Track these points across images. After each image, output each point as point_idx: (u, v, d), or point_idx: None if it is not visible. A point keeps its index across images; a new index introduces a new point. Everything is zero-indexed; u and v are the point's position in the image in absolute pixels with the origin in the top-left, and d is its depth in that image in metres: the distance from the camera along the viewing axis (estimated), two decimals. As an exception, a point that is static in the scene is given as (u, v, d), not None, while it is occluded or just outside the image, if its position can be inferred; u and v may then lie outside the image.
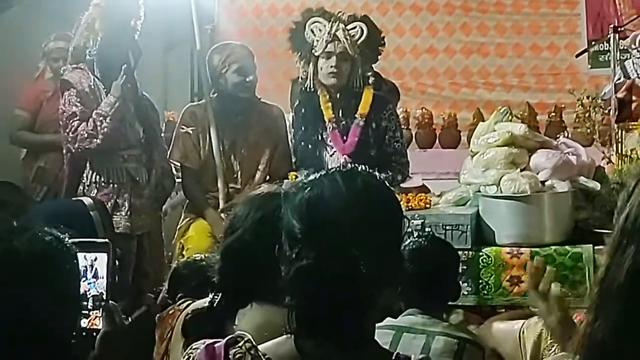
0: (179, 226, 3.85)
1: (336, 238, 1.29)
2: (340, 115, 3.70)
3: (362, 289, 1.29)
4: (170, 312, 2.06)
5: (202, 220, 3.71)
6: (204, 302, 1.82)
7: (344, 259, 1.28)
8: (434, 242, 2.67)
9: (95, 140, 3.65)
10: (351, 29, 3.62)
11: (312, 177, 1.38)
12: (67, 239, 1.52)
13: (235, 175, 3.78)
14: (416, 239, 2.62)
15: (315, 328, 1.30)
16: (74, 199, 3.08)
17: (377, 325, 1.41)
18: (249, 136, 3.82)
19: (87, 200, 2.47)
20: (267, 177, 3.82)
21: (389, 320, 2.34)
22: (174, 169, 4.09)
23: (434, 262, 2.47)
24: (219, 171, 3.72)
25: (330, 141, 3.71)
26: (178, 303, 2.05)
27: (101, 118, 3.65)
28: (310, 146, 3.72)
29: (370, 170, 1.40)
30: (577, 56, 4.65)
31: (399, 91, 4.68)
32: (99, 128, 3.65)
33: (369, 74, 3.76)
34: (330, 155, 3.70)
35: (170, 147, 3.85)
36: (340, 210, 1.31)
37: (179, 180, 4.16)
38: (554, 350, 2.00)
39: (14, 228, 1.50)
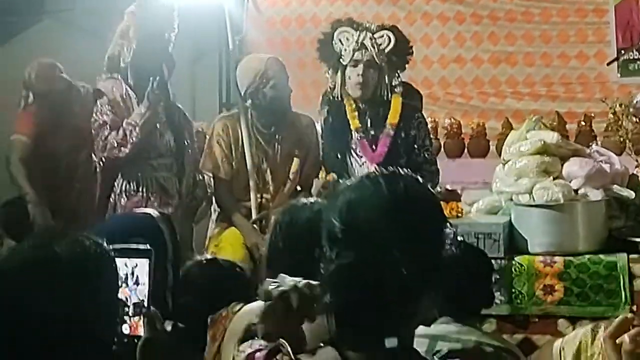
0: (209, 235, 3.87)
1: (377, 238, 1.28)
2: (369, 125, 3.71)
3: (403, 291, 1.28)
4: (224, 314, 2.09)
5: (233, 230, 3.72)
6: (257, 306, 1.83)
7: (384, 259, 1.27)
8: (467, 249, 2.66)
9: (124, 149, 3.70)
10: (379, 37, 3.63)
11: (354, 179, 1.38)
12: (106, 245, 1.53)
13: (267, 185, 3.79)
14: (448, 246, 2.61)
15: (354, 328, 1.29)
16: (141, 211, 3.12)
17: None
18: (281, 146, 3.82)
19: (154, 213, 2.47)
20: (298, 187, 3.83)
21: (422, 329, 2.32)
22: (206, 179, 4.12)
23: (467, 269, 2.45)
24: (252, 181, 3.73)
25: (359, 151, 3.71)
26: (231, 305, 2.08)
27: (131, 128, 3.70)
28: (338, 155, 3.72)
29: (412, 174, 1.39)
30: (608, 64, 4.62)
31: (420, 94, 4.67)
32: (128, 137, 3.69)
33: (397, 82, 3.75)
34: (360, 165, 3.70)
35: (202, 157, 3.87)
36: (381, 211, 1.30)
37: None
38: (596, 362, 1.98)
39: (55, 234, 1.51)
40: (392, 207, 1.31)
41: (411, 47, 3.78)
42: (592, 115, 5.11)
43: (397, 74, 3.72)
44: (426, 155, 3.72)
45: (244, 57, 4.04)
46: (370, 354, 1.29)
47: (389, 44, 3.64)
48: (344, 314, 1.30)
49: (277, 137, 3.82)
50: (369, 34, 3.63)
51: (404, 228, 1.30)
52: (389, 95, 3.68)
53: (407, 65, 3.79)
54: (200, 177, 4.03)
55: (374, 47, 3.61)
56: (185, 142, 3.92)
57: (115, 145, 3.70)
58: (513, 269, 3.18)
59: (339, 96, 3.71)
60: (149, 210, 3.20)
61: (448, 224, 1.38)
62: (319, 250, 1.35)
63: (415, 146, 3.70)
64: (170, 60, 3.87)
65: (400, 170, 1.38)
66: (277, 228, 1.88)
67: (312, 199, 1.91)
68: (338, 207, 1.33)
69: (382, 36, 3.64)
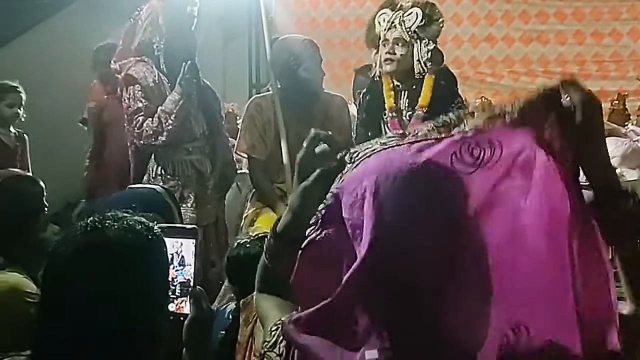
0: (245, 215, 3.89)
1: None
2: (406, 105, 3.67)
3: None
4: (256, 297, 2.11)
5: (268, 211, 3.74)
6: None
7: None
8: None
9: (160, 137, 3.67)
10: (407, 15, 3.60)
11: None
12: (156, 228, 1.55)
13: (299, 167, 3.80)
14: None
15: None
16: (147, 186, 3.11)
17: None
18: (313, 127, 3.81)
19: (159, 189, 2.51)
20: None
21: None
22: (234, 159, 4.14)
23: None
24: (286, 162, 3.74)
25: (391, 130, 3.70)
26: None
27: (166, 115, 3.67)
28: (370, 134, 3.70)
29: None
30: (643, 42, 4.56)
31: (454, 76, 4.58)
32: (164, 125, 3.66)
33: (426, 57, 3.65)
34: None
35: (237, 138, 3.88)
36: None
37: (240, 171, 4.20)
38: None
39: (106, 217, 1.52)
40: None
41: (441, 21, 3.68)
42: (626, 93, 5.05)
43: (427, 50, 3.65)
44: None
45: (279, 38, 4.02)
46: None
47: (415, 21, 3.59)
48: None
49: (309, 117, 3.81)
50: (401, 12, 3.60)
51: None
52: (422, 73, 3.63)
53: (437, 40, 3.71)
54: (231, 156, 4.05)
55: (401, 25, 3.58)
56: (217, 123, 3.92)
57: (151, 133, 3.66)
58: (548, 249, 3.17)
59: (378, 75, 3.69)
60: (151, 185, 3.24)
61: None
62: None
63: None
64: (193, 37, 3.85)
65: None
66: None
67: None
68: None
69: (411, 13, 3.61)
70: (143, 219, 1.54)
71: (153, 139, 3.68)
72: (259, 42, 5.86)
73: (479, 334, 1.13)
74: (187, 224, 3.57)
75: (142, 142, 3.71)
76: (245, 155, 3.89)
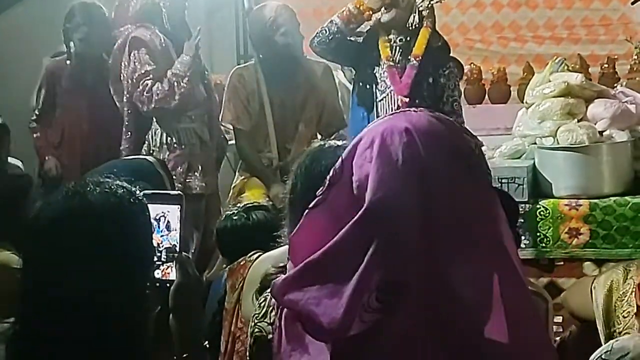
0: (233, 185, 3.89)
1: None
2: (399, 54, 3.60)
3: None
4: (242, 263, 2.11)
5: (255, 180, 3.74)
6: (277, 254, 1.84)
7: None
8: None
9: (172, 101, 3.63)
10: None
11: None
12: (138, 192, 1.53)
13: (286, 135, 3.79)
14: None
15: None
16: (139, 156, 3.09)
17: None
18: (298, 95, 3.81)
19: (151, 159, 2.50)
20: (319, 135, 3.83)
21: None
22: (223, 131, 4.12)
23: None
24: (271, 131, 3.73)
25: (388, 81, 3.58)
26: (249, 255, 2.09)
27: (178, 78, 3.63)
28: (367, 86, 3.61)
29: None
30: (632, 4, 4.53)
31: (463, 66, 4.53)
32: (175, 88, 3.63)
33: (425, 6, 3.55)
34: (379, 101, 3.58)
35: (222, 110, 3.85)
36: None
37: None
38: (627, 300, 1.98)
39: (88, 183, 1.50)
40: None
41: None
42: (616, 57, 5.01)
43: (429, 2, 3.57)
44: (454, 107, 3.63)
45: (255, 7, 4.00)
46: None
47: None
48: None
49: (292, 85, 3.79)
50: None
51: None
52: (419, 24, 3.56)
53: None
54: (223, 128, 4.04)
55: None
56: (211, 93, 3.92)
57: (163, 96, 3.62)
58: (538, 213, 3.17)
59: (374, 27, 3.60)
60: (144, 156, 3.24)
61: None
62: None
63: (444, 96, 3.60)
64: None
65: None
66: (298, 170, 1.88)
67: (339, 142, 1.89)
68: None
69: None
70: (125, 184, 1.52)
71: (164, 102, 3.64)
72: (245, 12, 5.80)
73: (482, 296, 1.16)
74: (196, 193, 3.58)
75: (152, 106, 3.65)
76: (230, 127, 3.87)
